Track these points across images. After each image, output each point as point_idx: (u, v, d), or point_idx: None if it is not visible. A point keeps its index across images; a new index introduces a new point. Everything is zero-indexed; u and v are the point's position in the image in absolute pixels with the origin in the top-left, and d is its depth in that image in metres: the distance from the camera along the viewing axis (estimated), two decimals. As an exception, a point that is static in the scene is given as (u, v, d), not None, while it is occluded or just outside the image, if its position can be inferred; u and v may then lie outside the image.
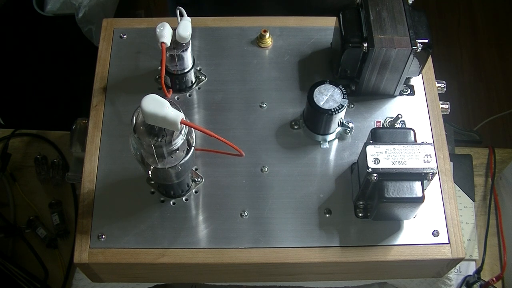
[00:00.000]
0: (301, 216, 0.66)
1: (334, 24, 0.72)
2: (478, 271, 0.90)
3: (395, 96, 0.74)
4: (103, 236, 0.64)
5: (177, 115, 0.53)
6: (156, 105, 0.53)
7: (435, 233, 0.65)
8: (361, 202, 0.65)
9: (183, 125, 0.55)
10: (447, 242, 0.65)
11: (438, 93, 0.74)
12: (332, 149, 0.70)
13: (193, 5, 1.02)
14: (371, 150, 0.60)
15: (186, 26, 0.66)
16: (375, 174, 0.59)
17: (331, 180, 0.68)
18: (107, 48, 0.76)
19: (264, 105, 0.73)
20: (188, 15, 0.67)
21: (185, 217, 0.65)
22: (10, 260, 0.91)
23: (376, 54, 0.66)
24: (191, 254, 0.63)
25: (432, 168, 0.60)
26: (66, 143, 0.98)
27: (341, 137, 0.71)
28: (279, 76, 0.75)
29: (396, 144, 0.61)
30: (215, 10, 0.98)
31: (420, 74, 0.72)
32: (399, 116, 0.70)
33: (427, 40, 0.66)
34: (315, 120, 0.68)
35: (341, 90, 0.66)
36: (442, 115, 0.73)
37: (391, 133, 0.63)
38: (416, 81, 0.74)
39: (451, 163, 0.94)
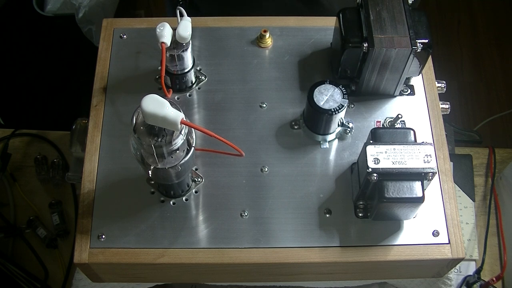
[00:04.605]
0: (301, 216, 0.66)
1: (334, 24, 0.72)
2: (478, 271, 0.90)
3: (395, 96, 0.74)
4: (103, 236, 0.64)
5: (177, 115, 0.53)
6: (156, 105, 0.53)
7: (435, 233, 0.65)
8: (361, 202, 0.65)
9: (183, 125, 0.55)
10: (447, 242, 0.65)
11: (438, 93, 0.74)
12: (332, 149, 0.70)
13: (191, 7, 1.02)
14: (371, 150, 0.60)
15: (186, 26, 0.66)
16: (375, 174, 0.59)
17: (331, 180, 0.68)
18: (107, 48, 0.76)
19: (264, 105, 0.73)
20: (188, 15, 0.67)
21: (185, 217, 0.65)
22: (10, 260, 0.91)
23: (376, 54, 0.66)
24: (191, 254, 0.63)
25: (432, 168, 0.60)
26: (66, 143, 0.98)
27: (341, 137, 0.71)
28: (279, 76, 0.75)
29: (396, 144, 0.61)
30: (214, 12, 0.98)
31: (420, 74, 0.72)
32: (399, 116, 0.70)
33: (427, 40, 0.66)
34: (315, 120, 0.68)
35: (341, 90, 0.66)
36: (442, 115, 0.73)
37: (391, 133, 0.63)
38: (416, 81, 0.74)
39: (451, 163, 0.94)
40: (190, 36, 0.67)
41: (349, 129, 0.70)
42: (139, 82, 0.74)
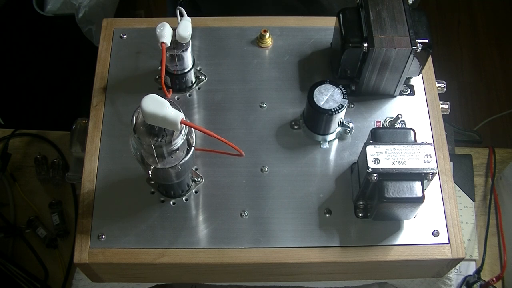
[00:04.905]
0: (301, 216, 0.66)
1: (334, 24, 0.72)
2: (478, 271, 0.90)
3: (395, 96, 0.74)
4: (103, 236, 0.64)
5: (177, 115, 0.53)
6: (156, 105, 0.53)
7: (435, 233, 0.65)
8: (361, 202, 0.65)
9: (183, 125, 0.55)
10: (447, 242, 0.65)
11: (438, 93, 0.74)
12: (332, 149, 0.70)
13: (192, 6, 1.02)
14: (371, 150, 0.60)
15: (186, 26, 0.66)
16: (375, 174, 0.59)
17: (331, 180, 0.68)
18: (107, 48, 0.76)
19: (264, 105, 0.73)
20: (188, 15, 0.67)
21: (185, 217, 0.66)
22: (10, 260, 0.91)
23: (376, 54, 0.66)
24: (191, 254, 0.63)
25: (432, 168, 0.60)
26: (66, 143, 0.98)
27: (341, 137, 0.71)
28: (279, 76, 0.75)
29: (396, 144, 0.61)
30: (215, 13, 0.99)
31: (420, 74, 0.72)
32: (399, 116, 0.70)
33: (427, 40, 0.66)
34: (315, 120, 0.68)
35: (341, 90, 0.66)
36: (442, 115, 0.73)
37: (391, 133, 0.63)
38: (416, 81, 0.74)
39: (451, 163, 0.94)
40: (190, 36, 0.67)
41: (349, 129, 0.70)
42: (139, 82, 0.74)
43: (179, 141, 0.56)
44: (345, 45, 0.67)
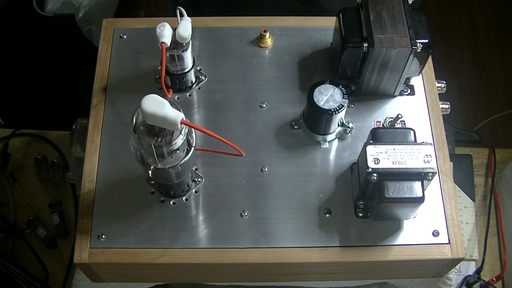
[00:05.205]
0: (301, 216, 0.66)
1: (334, 24, 0.72)
2: (478, 271, 0.90)
3: (395, 96, 0.74)
4: (103, 236, 0.64)
5: (177, 115, 0.53)
6: (156, 105, 0.53)
7: (435, 233, 0.65)
8: (361, 202, 0.65)
9: (183, 125, 0.55)
10: (447, 242, 0.65)
11: (438, 93, 0.74)
12: (332, 149, 0.70)
13: (193, 6, 1.02)
14: (371, 150, 0.60)
15: (186, 26, 0.66)
16: (375, 174, 0.59)
17: (331, 180, 0.68)
18: (107, 48, 0.76)
19: (264, 105, 0.73)
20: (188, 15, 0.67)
21: (185, 217, 0.66)
22: (10, 260, 0.91)
23: (376, 54, 0.66)
24: (191, 254, 0.63)
25: (432, 168, 0.60)
26: (66, 143, 0.98)
27: (341, 137, 0.71)
28: (279, 76, 0.75)
29: (396, 144, 0.61)
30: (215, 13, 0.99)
31: (420, 74, 0.72)
32: (399, 116, 0.70)
33: (427, 40, 0.66)
34: (315, 120, 0.68)
35: (341, 90, 0.66)
36: (442, 115, 0.73)
37: (391, 133, 0.63)
38: (416, 81, 0.74)
39: (451, 163, 0.94)
40: (190, 36, 0.67)
41: (349, 129, 0.70)
42: (139, 82, 0.74)
43: (179, 141, 0.56)
44: (345, 45, 0.67)
